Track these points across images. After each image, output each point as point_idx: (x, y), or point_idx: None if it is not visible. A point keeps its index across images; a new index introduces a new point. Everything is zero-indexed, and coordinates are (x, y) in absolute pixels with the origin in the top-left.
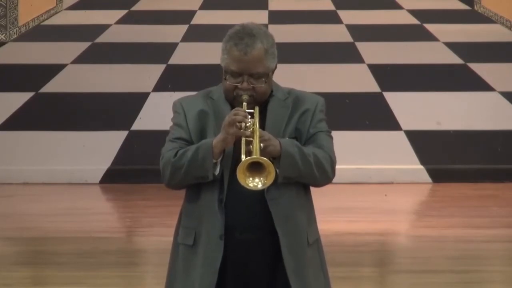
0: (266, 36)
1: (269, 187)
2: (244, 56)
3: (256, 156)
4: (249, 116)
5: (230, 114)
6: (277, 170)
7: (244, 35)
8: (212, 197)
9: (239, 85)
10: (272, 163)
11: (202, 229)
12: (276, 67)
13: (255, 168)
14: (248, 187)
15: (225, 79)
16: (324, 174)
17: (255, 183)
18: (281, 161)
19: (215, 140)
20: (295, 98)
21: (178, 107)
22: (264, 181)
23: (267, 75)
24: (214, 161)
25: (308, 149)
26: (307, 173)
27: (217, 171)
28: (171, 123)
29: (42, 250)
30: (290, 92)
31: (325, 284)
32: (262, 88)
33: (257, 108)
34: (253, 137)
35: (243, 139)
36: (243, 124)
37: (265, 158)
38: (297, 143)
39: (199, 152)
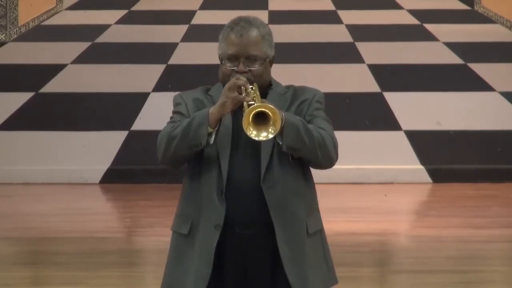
0: (262, 24)
1: (266, 175)
2: (240, 38)
3: (259, 104)
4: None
5: (232, 79)
6: (280, 142)
7: (240, 21)
8: (212, 187)
9: (235, 68)
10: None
11: (200, 220)
12: (273, 59)
13: (260, 122)
14: (255, 140)
15: (222, 64)
16: (327, 153)
17: (263, 136)
18: (284, 130)
19: (212, 108)
20: (294, 92)
21: (178, 99)
22: (272, 130)
23: (263, 59)
24: (210, 130)
25: (311, 126)
26: (310, 146)
27: (212, 141)
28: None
29: (42, 250)
30: (289, 87)
31: (328, 275)
32: (259, 71)
33: (256, 84)
34: (254, 102)
35: (245, 104)
36: (243, 90)
37: (269, 105)
38: (300, 117)
39: (195, 119)
